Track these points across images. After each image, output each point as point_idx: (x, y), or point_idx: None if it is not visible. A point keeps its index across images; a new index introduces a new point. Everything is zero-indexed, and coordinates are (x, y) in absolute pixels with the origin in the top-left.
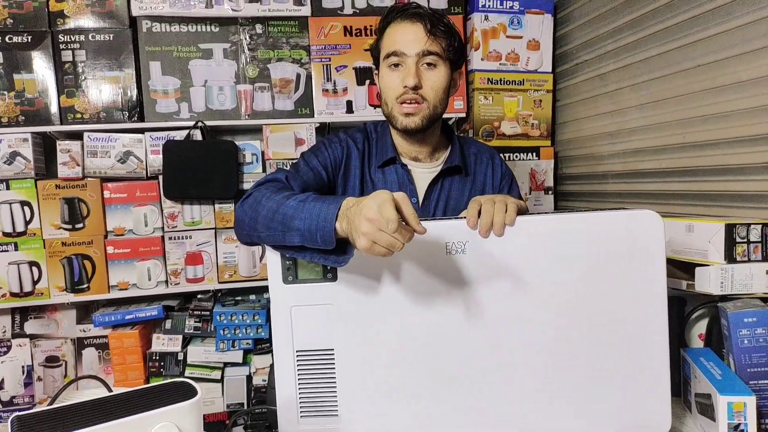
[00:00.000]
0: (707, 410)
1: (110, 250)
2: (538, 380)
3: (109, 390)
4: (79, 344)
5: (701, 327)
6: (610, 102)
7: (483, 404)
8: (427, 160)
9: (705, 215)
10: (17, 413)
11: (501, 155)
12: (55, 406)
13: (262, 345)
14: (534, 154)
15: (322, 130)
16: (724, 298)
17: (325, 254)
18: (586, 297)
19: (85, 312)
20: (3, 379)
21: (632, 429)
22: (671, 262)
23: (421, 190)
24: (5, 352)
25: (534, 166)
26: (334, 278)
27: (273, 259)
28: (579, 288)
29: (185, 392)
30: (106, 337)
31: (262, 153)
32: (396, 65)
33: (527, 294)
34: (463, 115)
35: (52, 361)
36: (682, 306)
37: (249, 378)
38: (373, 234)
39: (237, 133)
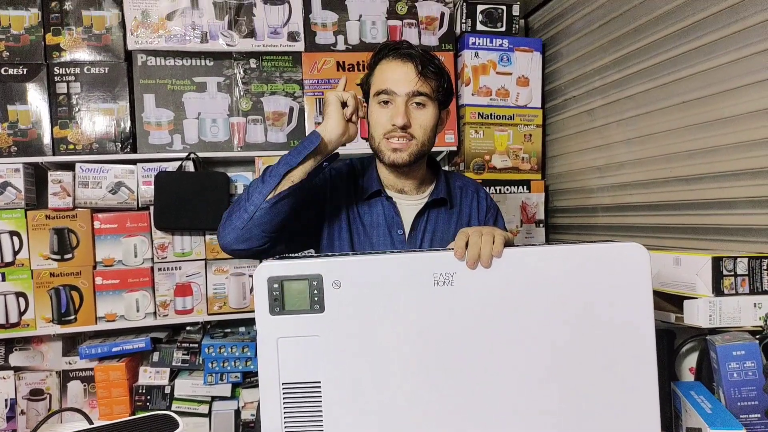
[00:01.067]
0: None
1: (99, 281)
2: (526, 415)
3: (90, 423)
4: (65, 377)
5: (691, 360)
6: (599, 137)
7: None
8: (413, 193)
9: (692, 248)
10: None
11: (486, 189)
12: None
13: (252, 378)
14: (525, 187)
15: None
16: (713, 331)
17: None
18: (574, 330)
19: (71, 343)
20: None
21: None
22: (660, 295)
23: (408, 222)
24: None
25: (525, 199)
26: (321, 309)
27: (260, 290)
28: (566, 320)
29: (167, 425)
30: (92, 369)
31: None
32: (386, 102)
33: (514, 326)
34: (455, 148)
35: (36, 394)
36: (672, 339)
37: (237, 412)
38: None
39: (229, 165)
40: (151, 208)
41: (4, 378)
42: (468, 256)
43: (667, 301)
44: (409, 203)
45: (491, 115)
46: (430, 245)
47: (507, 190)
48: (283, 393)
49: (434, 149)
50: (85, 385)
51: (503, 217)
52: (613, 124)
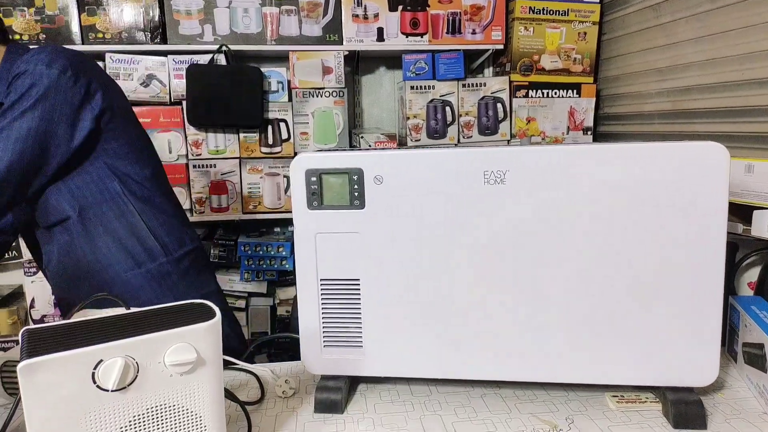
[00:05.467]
0: (757, 360)
1: None
2: (576, 321)
3: (127, 308)
4: None
5: (752, 275)
6: (663, 35)
7: (513, 346)
8: None
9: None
10: (27, 327)
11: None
12: (68, 321)
13: (287, 277)
14: (574, 91)
15: (351, 59)
16: None
17: None
18: (636, 235)
19: None
20: (33, 299)
21: (675, 378)
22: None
23: None
24: (34, 272)
25: (573, 105)
26: (362, 205)
27: (298, 183)
28: (629, 224)
29: (204, 314)
30: None
31: (288, 82)
32: None
33: (572, 229)
34: (501, 46)
35: None
36: (734, 252)
37: (273, 309)
38: None
39: (262, 60)
40: (184, 102)
41: None
42: None
43: (733, 212)
44: None
45: (544, 9)
46: None
47: (555, 93)
48: (321, 289)
49: (478, 47)
50: None
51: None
52: (681, 20)
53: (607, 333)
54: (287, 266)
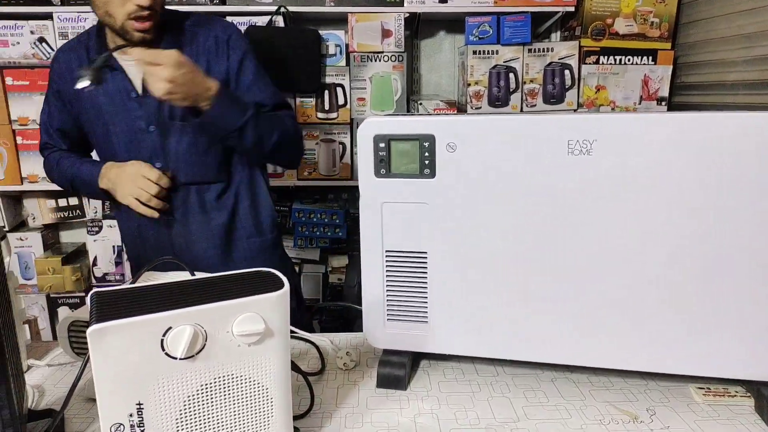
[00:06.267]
0: None
1: None
2: (661, 305)
3: (192, 273)
4: None
5: None
6: None
7: (585, 329)
8: None
9: None
10: (96, 289)
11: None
12: (135, 285)
13: (340, 245)
14: (650, 58)
15: (410, 23)
16: None
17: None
18: (736, 214)
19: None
20: (96, 257)
21: (760, 373)
22: None
23: (139, 81)
24: (97, 232)
25: (648, 72)
26: (432, 174)
27: (365, 149)
28: (723, 203)
29: (272, 283)
30: None
31: (347, 45)
32: None
33: (664, 207)
34: (572, 8)
35: None
36: None
37: (326, 275)
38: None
39: (320, 22)
40: None
41: (111, 226)
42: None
43: None
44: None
45: None
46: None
47: (628, 60)
48: (386, 261)
49: (547, 9)
50: None
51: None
52: None
53: (696, 319)
54: (340, 234)
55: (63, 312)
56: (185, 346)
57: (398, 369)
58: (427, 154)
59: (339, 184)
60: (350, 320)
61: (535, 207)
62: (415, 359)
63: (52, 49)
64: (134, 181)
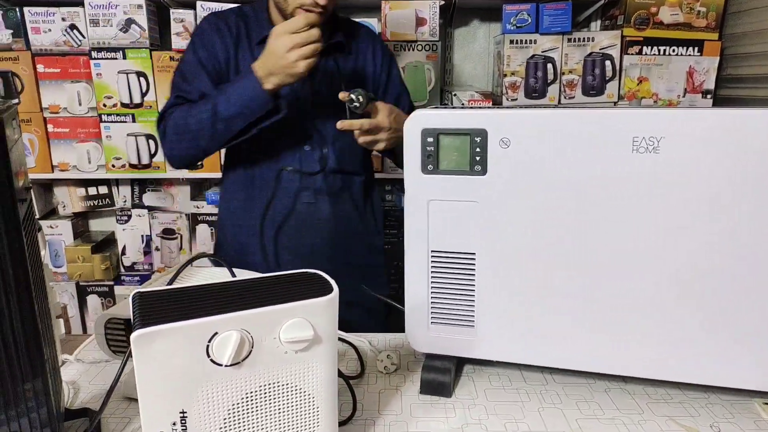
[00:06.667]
0: None
1: None
2: (730, 315)
3: (233, 274)
4: (193, 220)
5: None
6: None
7: (643, 338)
8: None
9: None
10: (139, 290)
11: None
12: (177, 285)
13: None
14: (696, 49)
15: (446, 10)
16: None
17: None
18: None
19: (198, 189)
20: (125, 246)
21: None
22: None
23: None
24: (126, 221)
25: (693, 64)
26: (483, 171)
27: (412, 143)
28: None
29: (320, 286)
30: (217, 214)
31: (380, 34)
32: None
33: (738, 211)
34: None
35: (168, 233)
36: None
37: None
38: (294, 42)
39: (352, 10)
40: None
41: (140, 216)
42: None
43: None
44: None
45: None
46: (328, 88)
47: (672, 51)
48: (432, 261)
49: None
50: (211, 229)
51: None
52: None
53: (764, 330)
54: None
55: (92, 300)
56: (231, 353)
57: (443, 375)
58: (478, 149)
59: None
60: (386, 319)
61: (594, 208)
62: (459, 364)
63: (83, 36)
64: (285, 42)
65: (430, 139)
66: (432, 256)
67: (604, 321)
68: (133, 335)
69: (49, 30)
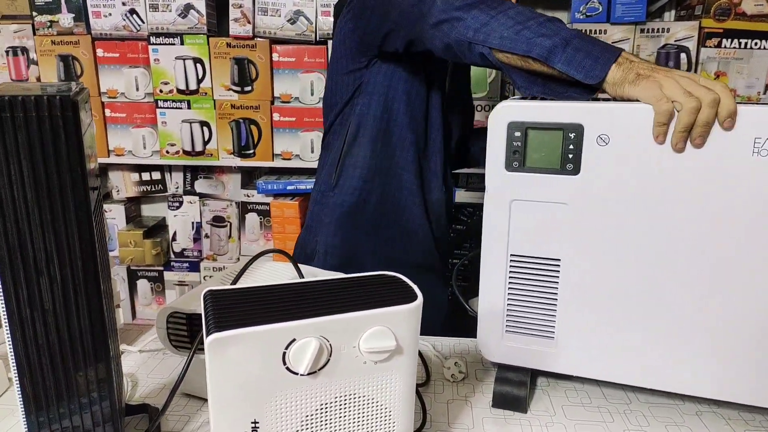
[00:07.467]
0: None
1: (276, 117)
2: None
3: (300, 275)
4: (243, 208)
5: None
6: None
7: (744, 359)
8: None
9: None
10: (210, 288)
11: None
12: (249, 285)
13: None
14: None
15: None
16: None
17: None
18: None
19: (249, 177)
20: (176, 232)
21: None
22: None
23: None
24: (178, 207)
25: None
26: (576, 171)
27: (497, 137)
28: None
29: (402, 292)
30: (267, 204)
31: None
32: None
33: None
34: None
35: (218, 221)
36: None
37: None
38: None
39: None
40: (329, 42)
41: (191, 202)
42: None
43: None
44: None
45: None
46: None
47: (755, 44)
48: (510, 266)
49: None
50: (261, 218)
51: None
52: None
53: None
54: None
55: (142, 285)
56: (309, 361)
57: (518, 388)
58: (571, 146)
59: None
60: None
61: (699, 216)
62: (533, 377)
63: (143, 21)
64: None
65: (518, 134)
66: (511, 261)
67: (697, 339)
68: (208, 339)
69: (110, 14)
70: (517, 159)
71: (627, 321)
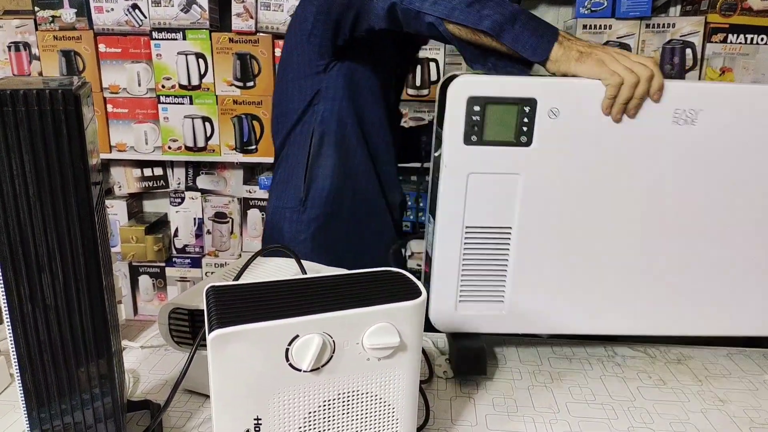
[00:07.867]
0: None
1: None
2: (745, 283)
3: (303, 270)
4: (245, 204)
5: None
6: None
7: (668, 308)
8: None
9: None
10: (213, 284)
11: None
12: (251, 281)
13: (421, 229)
14: None
15: None
16: None
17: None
18: None
19: (250, 173)
20: (177, 228)
21: None
22: None
23: None
24: (179, 203)
25: None
26: (528, 142)
27: (455, 113)
28: None
29: (405, 288)
30: None
31: None
32: None
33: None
34: None
35: (220, 217)
36: None
37: (404, 261)
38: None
39: None
40: None
41: (192, 198)
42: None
43: None
44: None
45: None
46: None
47: (761, 40)
48: (465, 237)
49: None
50: (263, 214)
51: None
52: None
53: None
54: (422, 218)
55: (143, 281)
56: (312, 358)
57: (477, 353)
58: (525, 119)
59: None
60: None
61: (634, 180)
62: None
63: (145, 16)
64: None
65: (477, 108)
66: (466, 233)
67: (633, 285)
68: (211, 335)
69: (112, 9)
70: (476, 133)
71: (572, 279)
